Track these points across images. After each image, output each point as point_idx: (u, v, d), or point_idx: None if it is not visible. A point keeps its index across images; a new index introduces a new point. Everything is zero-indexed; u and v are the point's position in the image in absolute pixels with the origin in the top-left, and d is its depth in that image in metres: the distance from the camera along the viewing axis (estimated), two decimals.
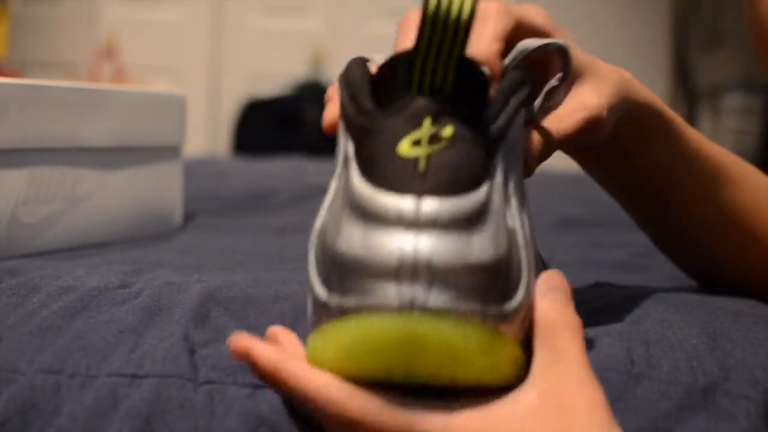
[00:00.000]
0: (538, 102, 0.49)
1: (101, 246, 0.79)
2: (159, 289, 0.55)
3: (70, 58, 3.61)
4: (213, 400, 0.46)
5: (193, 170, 1.26)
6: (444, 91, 0.39)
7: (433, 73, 0.38)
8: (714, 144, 0.64)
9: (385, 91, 0.40)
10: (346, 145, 0.41)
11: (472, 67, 0.40)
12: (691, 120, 3.50)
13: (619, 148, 0.58)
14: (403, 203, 0.37)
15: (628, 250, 0.91)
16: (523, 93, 0.43)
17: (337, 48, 3.54)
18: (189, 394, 0.46)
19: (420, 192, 0.37)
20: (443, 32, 0.38)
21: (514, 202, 0.41)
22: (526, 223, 0.43)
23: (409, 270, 0.37)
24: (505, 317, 0.39)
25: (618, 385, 0.46)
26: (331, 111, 0.46)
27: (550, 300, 0.41)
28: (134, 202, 0.85)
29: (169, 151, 0.91)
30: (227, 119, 3.54)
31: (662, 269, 0.75)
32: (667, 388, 0.46)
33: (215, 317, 0.51)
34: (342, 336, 0.38)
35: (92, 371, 0.48)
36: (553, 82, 0.48)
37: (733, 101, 3.18)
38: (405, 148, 0.38)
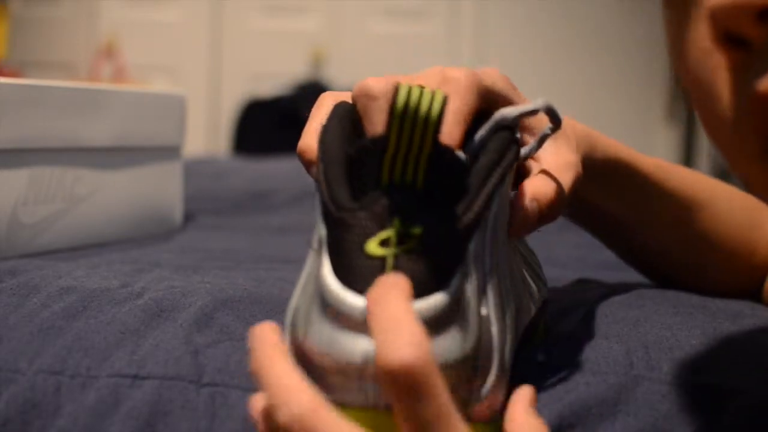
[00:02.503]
0: (529, 148, 0.48)
1: (101, 246, 0.79)
2: (162, 292, 0.55)
3: (70, 58, 3.61)
4: (215, 402, 0.46)
5: (193, 170, 1.26)
6: (416, 186, 0.38)
7: (403, 169, 0.38)
8: (683, 172, 0.65)
9: (359, 172, 0.39)
10: (320, 227, 0.40)
11: (446, 155, 0.39)
12: (691, 119, 3.50)
13: (579, 200, 0.59)
14: None
15: None
16: (510, 155, 0.43)
17: (337, 48, 3.54)
18: (191, 395, 0.46)
19: None
20: (412, 128, 0.37)
21: (491, 288, 0.41)
22: (507, 302, 0.42)
23: (373, 372, 0.37)
24: (473, 405, 0.39)
25: (618, 387, 0.46)
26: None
27: (534, 416, 0.41)
28: (134, 202, 0.85)
29: (169, 151, 0.91)
30: (227, 119, 3.54)
31: None
32: (668, 390, 0.46)
33: (220, 318, 0.51)
34: None
35: (93, 372, 0.47)
36: (546, 131, 0.48)
37: None
38: (373, 247, 0.38)
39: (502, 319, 0.41)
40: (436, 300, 0.37)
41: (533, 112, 0.45)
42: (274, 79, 3.42)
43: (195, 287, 0.57)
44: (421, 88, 0.37)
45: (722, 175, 3.15)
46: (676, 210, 0.63)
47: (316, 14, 3.63)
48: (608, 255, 0.91)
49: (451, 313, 0.38)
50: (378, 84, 0.45)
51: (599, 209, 0.61)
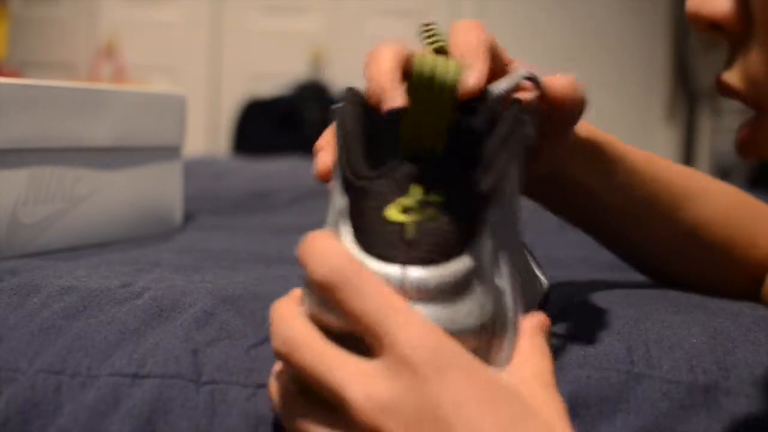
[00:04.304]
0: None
1: (101, 246, 0.79)
2: (162, 291, 0.55)
3: (70, 58, 3.62)
4: (214, 399, 0.46)
5: (193, 170, 1.27)
6: (434, 154, 0.39)
7: (421, 138, 0.39)
8: (671, 164, 0.65)
9: (377, 146, 0.40)
10: (340, 199, 0.41)
11: (462, 124, 0.40)
12: (691, 119, 3.50)
13: (568, 179, 0.60)
14: (389, 271, 0.38)
15: None
16: (519, 135, 0.43)
17: (337, 48, 3.54)
18: (191, 394, 0.46)
19: (405, 261, 0.38)
20: (430, 98, 0.38)
21: (504, 261, 0.41)
22: (517, 279, 0.43)
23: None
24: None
25: (619, 385, 0.46)
26: (324, 160, 0.46)
27: (542, 341, 0.42)
28: (134, 202, 0.85)
29: (169, 151, 0.91)
30: (227, 119, 3.55)
31: None
32: (668, 388, 0.46)
33: (220, 317, 0.51)
34: None
35: (93, 371, 0.48)
36: (533, 105, 0.49)
37: (732, 102, 3.18)
38: (393, 213, 0.38)
39: (514, 293, 0.42)
40: (456, 266, 0.38)
41: (522, 80, 0.46)
42: (274, 79, 3.42)
43: (195, 287, 0.57)
44: (437, 58, 0.38)
45: (723, 175, 3.15)
46: (665, 198, 0.63)
47: (316, 14, 3.63)
48: (610, 255, 0.91)
49: (469, 280, 0.38)
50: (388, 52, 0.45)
51: (588, 191, 0.61)
